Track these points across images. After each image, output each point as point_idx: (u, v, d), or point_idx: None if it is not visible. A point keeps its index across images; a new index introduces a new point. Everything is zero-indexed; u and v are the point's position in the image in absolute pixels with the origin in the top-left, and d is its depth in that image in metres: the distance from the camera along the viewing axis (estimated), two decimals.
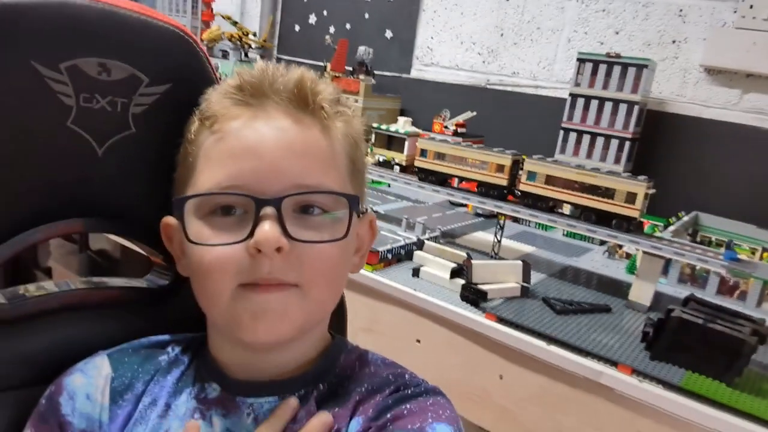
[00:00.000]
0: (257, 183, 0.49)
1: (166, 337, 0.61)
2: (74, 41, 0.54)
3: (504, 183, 1.43)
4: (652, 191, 1.28)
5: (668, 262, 1.44)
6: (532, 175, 1.38)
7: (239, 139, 0.51)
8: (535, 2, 2.04)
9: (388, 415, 0.51)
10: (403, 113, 2.32)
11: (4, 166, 0.55)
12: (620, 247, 1.65)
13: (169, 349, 0.59)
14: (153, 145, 0.60)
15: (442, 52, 2.29)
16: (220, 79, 0.62)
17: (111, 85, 0.56)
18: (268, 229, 0.48)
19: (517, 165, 1.43)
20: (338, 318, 0.74)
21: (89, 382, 0.55)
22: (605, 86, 1.72)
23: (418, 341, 1.30)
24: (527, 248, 1.66)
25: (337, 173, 0.54)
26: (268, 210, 0.49)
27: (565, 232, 1.84)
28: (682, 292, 1.39)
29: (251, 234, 0.48)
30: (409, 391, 0.54)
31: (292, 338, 0.53)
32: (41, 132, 0.55)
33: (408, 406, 0.52)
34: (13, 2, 0.51)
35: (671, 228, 1.46)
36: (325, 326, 0.60)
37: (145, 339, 0.60)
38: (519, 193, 1.42)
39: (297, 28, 2.72)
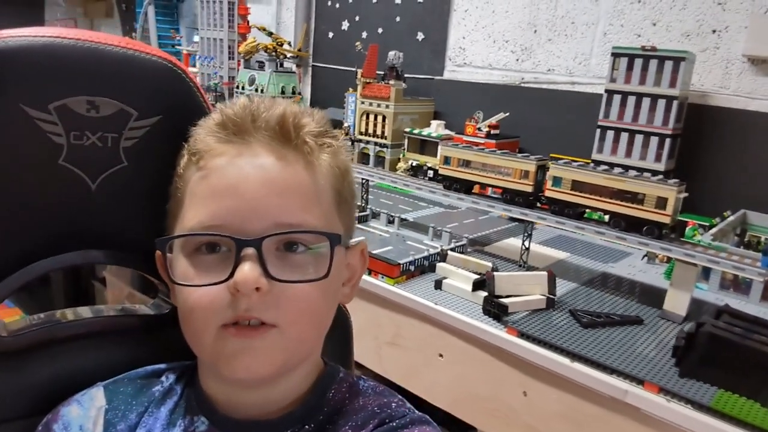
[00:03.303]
0: (238, 222, 0.49)
1: (162, 366, 0.61)
2: (62, 81, 0.55)
3: (529, 189, 1.38)
4: (684, 195, 1.21)
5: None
6: (557, 181, 1.33)
7: (222, 178, 0.51)
8: None
9: None
10: (436, 116, 2.28)
11: (1, 207, 0.56)
12: None
13: (164, 378, 0.60)
14: (147, 177, 0.60)
15: (474, 52, 2.24)
16: (232, 94, 0.62)
17: (100, 122, 0.57)
18: (247, 270, 0.48)
19: (542, 170, 1.38)
20: (343, 338, 0.73)
21: (84, 413, 0.56)
22: (642, 81, 1.64)
23: (441, 356, 1.27)
24: (561, 254, 1.60)
25: (320, 209, 0.53)
26: (249, 251, 0.48)
27: None
28: (724, 299, 1.32)
29: (232, 274, 0.48)
30: (395, 423, 0.53)
31: (273, 376, 0.53)
32: (34, 172, 0.56)
33: None
34: None
35: (713, 230, 1.38)
36: (314, 359, 0.59)
37: (141, 369, 0.61)
38: (544, 199, 1.37)
39: (330, 35, 2.73)
